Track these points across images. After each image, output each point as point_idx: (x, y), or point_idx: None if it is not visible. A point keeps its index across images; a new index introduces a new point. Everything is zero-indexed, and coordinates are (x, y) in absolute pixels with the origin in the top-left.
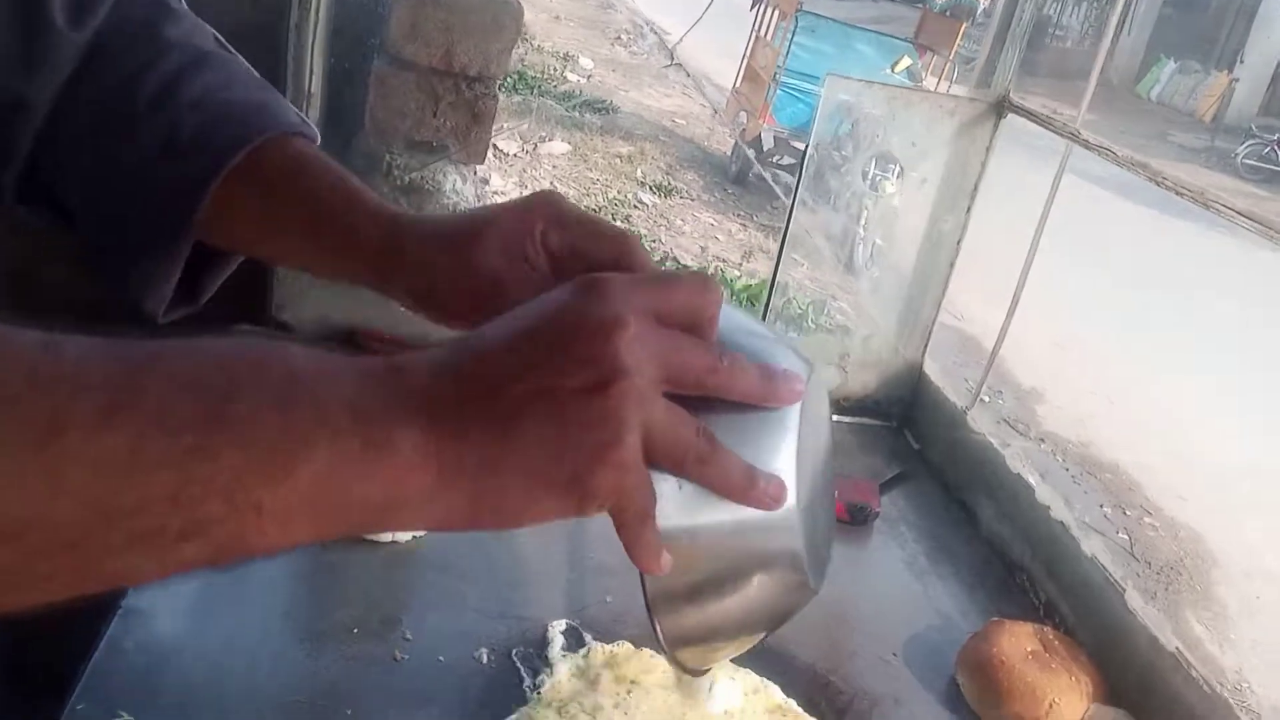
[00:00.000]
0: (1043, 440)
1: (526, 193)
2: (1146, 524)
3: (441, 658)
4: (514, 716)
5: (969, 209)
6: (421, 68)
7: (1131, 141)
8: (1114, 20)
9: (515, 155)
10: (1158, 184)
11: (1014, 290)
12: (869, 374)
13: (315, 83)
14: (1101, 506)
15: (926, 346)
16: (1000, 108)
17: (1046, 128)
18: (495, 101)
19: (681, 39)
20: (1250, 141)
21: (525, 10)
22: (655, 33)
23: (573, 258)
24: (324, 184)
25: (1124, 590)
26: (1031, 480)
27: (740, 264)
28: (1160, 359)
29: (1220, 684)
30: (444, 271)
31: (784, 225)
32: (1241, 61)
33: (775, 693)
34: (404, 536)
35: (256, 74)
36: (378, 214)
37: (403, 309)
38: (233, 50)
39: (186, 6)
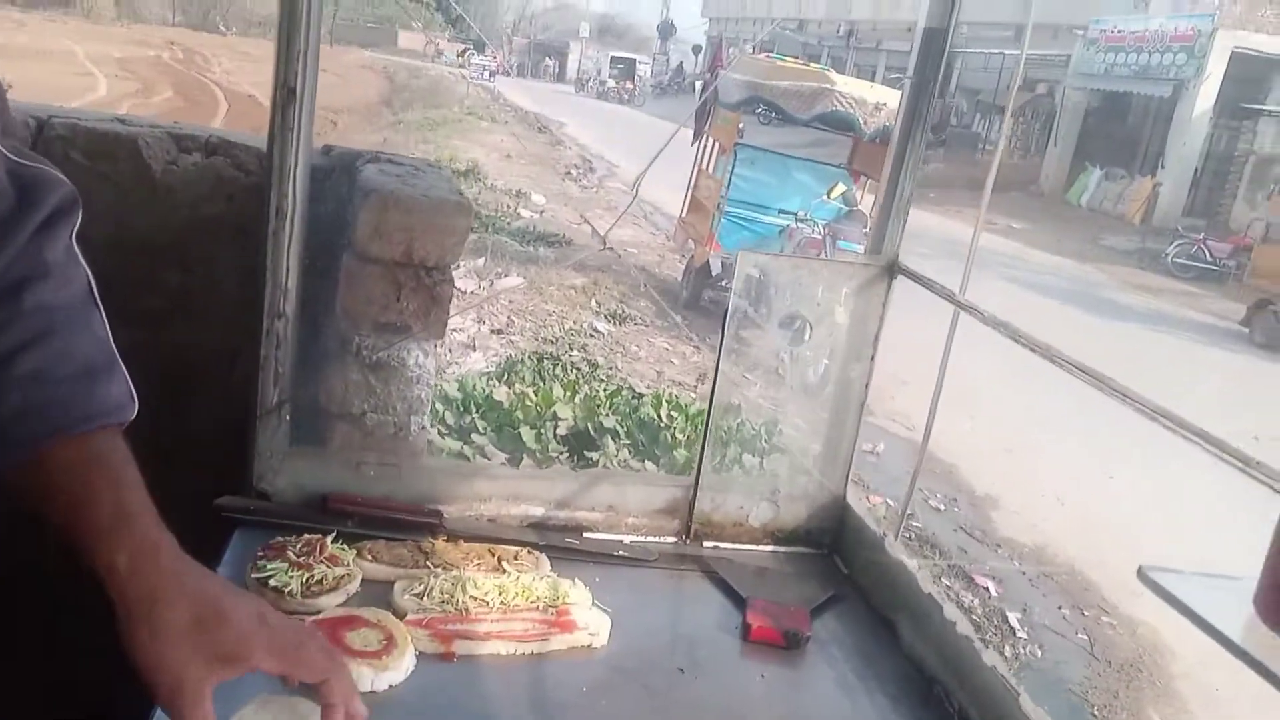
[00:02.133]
0: (999, 546)
1: (485, 332)
2: (1105, 623)
3: None
4: None
5: (872, 357)
6: (385, 261)
7: (1066, 246)
8: (1005, 132)
9: (472, 292)
10: (1015, 340)
11: (930, 402)
12: (799, 506)
13: (291, 279)
14: (1060, 608)
15: (848, 479)
16: (891, 270)
17: (930, 289)
18: (451, 286)
19: (642, 175)
20: (1178, 241)
21: (478, 151)
22: (608, 168)
23: None
24: (93, 491)
25: (1018, 695)
26: (940, 599)
27: (695, 387)
28: (1107, 458)
29: (1133, 681)
30: (155, 629)
31: (711, 381)
32: (1163, 166)
33: None
34: (381, 686)
35: (105, 338)
36: (137, 543)
37: (370, 475)
38: (97, 301)
39: (70, 248)
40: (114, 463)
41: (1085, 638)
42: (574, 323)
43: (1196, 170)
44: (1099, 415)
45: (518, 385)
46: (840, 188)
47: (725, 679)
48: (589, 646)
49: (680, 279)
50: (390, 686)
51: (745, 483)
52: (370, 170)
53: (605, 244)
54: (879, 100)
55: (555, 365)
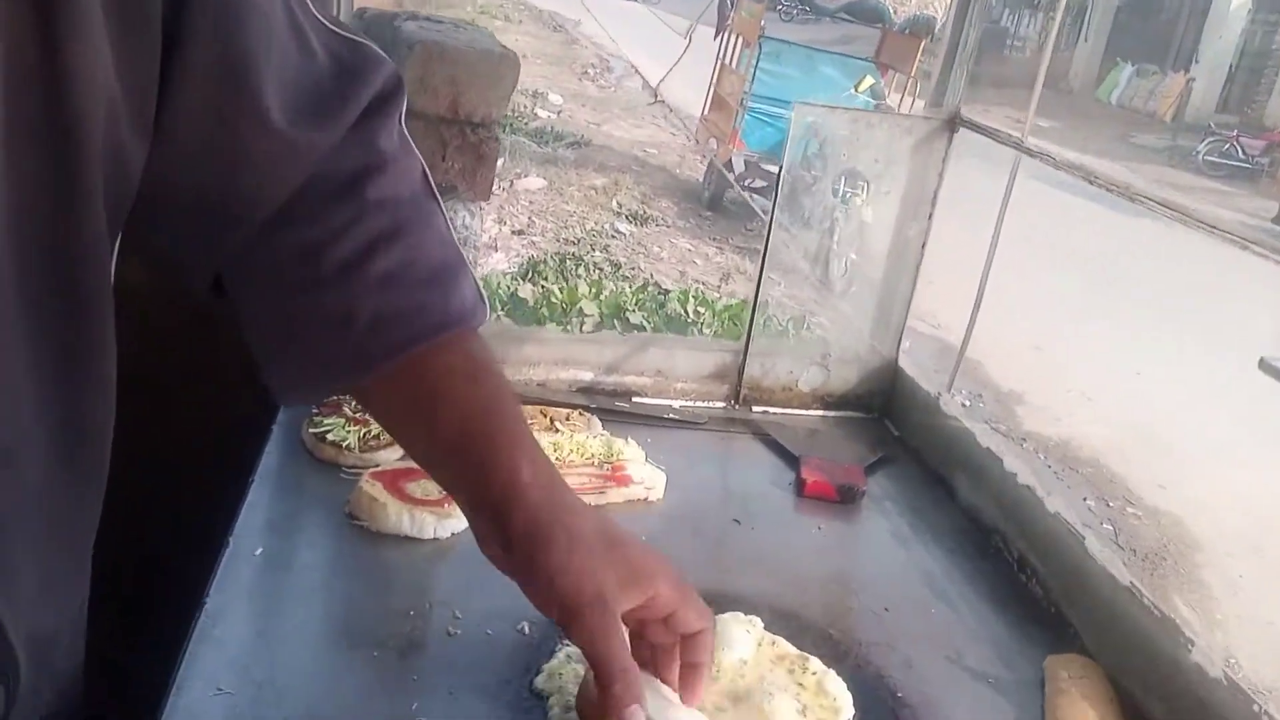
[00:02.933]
0: (1024, 440)
1: (506, 233)
2: (1129, 514)
3: (489, 631)
4: (542, 673)
5: (930, 216)
6: (430, 117)
7: (1095, 145)
8: (1055, 29)
9: (492, 193)
10: (1090, 182)
11: (977, 287)
12: (849, 370)
13: None
14: (1085, 500)
15: (900, 343)
16: (953, 123)
17: (994, 139)
18: (497, 144)
19: (665, 77)
20: (1210, 139)
21: None
22: (635, 70)
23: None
24: (474, 409)
25: (1083, 538)
26: (999, 452)
27: (719, 286)
28: (1133, 355)
29: (1170, 611)
30: (570, 543)
31: (763, 246)
32: (1197, 61)
33: (783, 644)
34: (444, 533)
35: (448, 236)
36: (534, 454)
37: None
38: (435, 193)
39: (403, 135)
40: (485, 371)
41: (1110, 527)
42: (595, 223)
43: (1231, 66)
44: (1128, 312)
45: (541, 283)
46: (869, 80)
47: (781, 531)
48: (645, 500)
49: (702, 179)
50: (453, 534)
51: (795, 347)
52: (410, 26)
53: (656, 96)
54: None
55: (578, 265)
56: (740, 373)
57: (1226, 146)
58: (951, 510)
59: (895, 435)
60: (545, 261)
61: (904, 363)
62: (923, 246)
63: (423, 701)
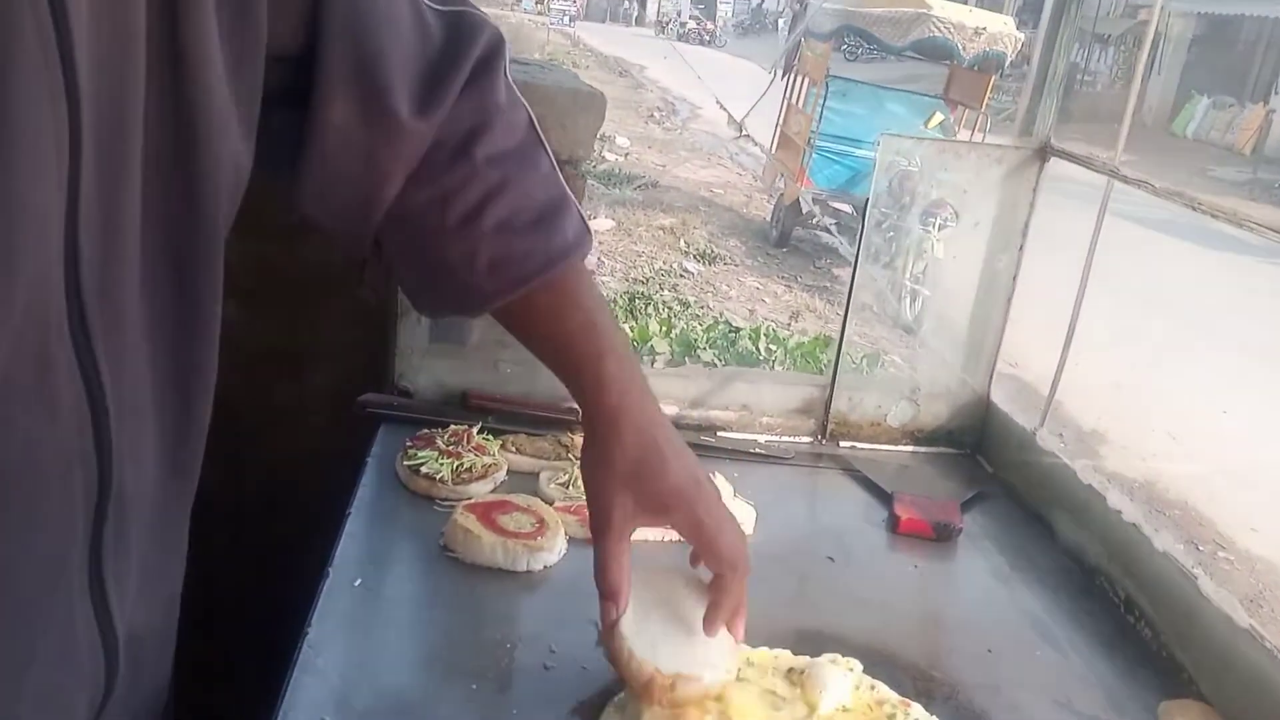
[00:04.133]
0: (1109, 480)
1: None
2: (1221, 558)
3: (585, 667)
4: (616, 698)
5: (1021, 247)
6: None
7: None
8: (1143, 59)
9: None
10: (1194, 209)
11: (1069, 323)
12: (940, 405)
13: None
14: (1175, 544)
15: (992, 377)
16: (1043, 153)
17: (1087, 167)
18: (584, 181)
19: (750, 111)
20: None
21: None
22: (721, 105)
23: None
24: (571, 331)
25: (1196, 578)
26: (1102, 489)
27: (789, 324)
28: (1218, 392)
29: (1254, 615)
30: (603, 462)
31: (850, 280)
32: (1277, 92)
33: (883, 689)
34: (537, 566)
35: (552, 174)
36: (603, 386)
37: (507, 371)
38: (540, 137)
39: (510, 88)
40: (582, 301)
41: (1201, 572)
42: (663, 263)
43: None
44: (1210, 350)
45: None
46: (939, 117)
47: (876, 569)
48: None
49: (769, 218)
50: (545, 567)
51: (884, 381)
52: None
53: (742, 130)
54: (979, 25)
55: (647, 304)
56: (827, 407)
57: None
58: (1052, 549)
59: (989, 472)
60: (615, 301)
61: (996, 398)
62: (1014, 279)
63: None
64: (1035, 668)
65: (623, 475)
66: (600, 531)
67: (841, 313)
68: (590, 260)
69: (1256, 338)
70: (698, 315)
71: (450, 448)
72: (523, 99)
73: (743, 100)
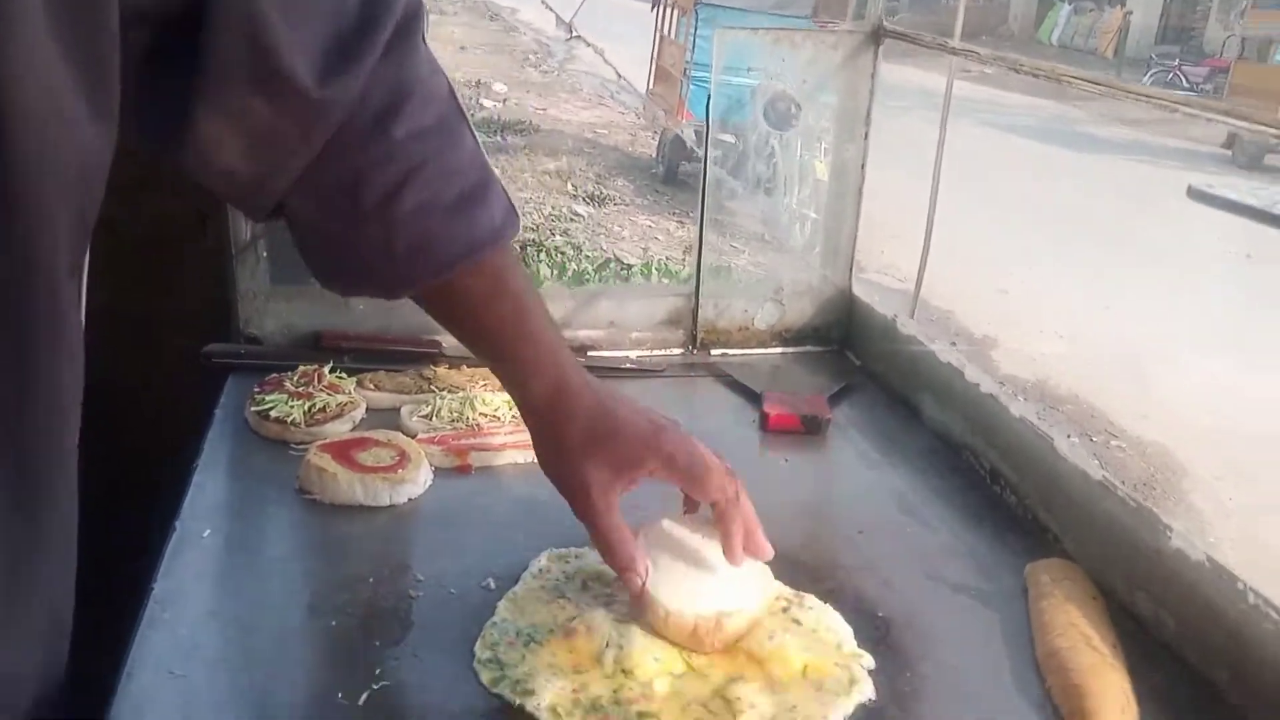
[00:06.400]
0: (1002, 383)
1: None
2: (1114, 447)
3: (452, 590)
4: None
5: (866, 135)
6: None
7: (1041, 86)
8: None
9: None
10: (1017, 71)
11: (927, 211)
12: (804, 303)
13: None
14: (1069, 436)
15: (852, 271)
16: (877, 35)
17: (919, 44)
18: None
19: (577, 11)
20: (1153, 70)
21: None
22: (548, 8)
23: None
24: (501, 317)
25: (1051, 439)
26: (960, 365)
27: (684, 259)
28: (1100, 291)
29: (1147, 499)
30: (559, 446)
31: (700, 190)
32: None
33: (777, 584)
34: (400, 499)
35: (476, 151)
36: (539, 370)
37: (360, 309)
38: (461, 109)
39: (429, 57)
40: (510, 285)
41: (1095, 462)
42: (552, 208)
43: None
44: (1088, 249)
45: None
46: None
47: (748, 467)
48: None
49: (655, 155)
50: (409, 500)
51: (748, 285)
52: None
53: (572, 31)
54: None
55: (539, 251)
56: (694, 316)
57: (1170, 77)
58: (919, 431)
59: (857, 365)
60: None
61: (859, 291)
62: (862, 168)
63: (386, 666)
64: (906, 545)
65: (583, 450)
66: (587, 513)
67: (732, 244)
68: None
69: (1131, 234)
70: (590, 258)
71: (300, 389)
72: (441, 69)
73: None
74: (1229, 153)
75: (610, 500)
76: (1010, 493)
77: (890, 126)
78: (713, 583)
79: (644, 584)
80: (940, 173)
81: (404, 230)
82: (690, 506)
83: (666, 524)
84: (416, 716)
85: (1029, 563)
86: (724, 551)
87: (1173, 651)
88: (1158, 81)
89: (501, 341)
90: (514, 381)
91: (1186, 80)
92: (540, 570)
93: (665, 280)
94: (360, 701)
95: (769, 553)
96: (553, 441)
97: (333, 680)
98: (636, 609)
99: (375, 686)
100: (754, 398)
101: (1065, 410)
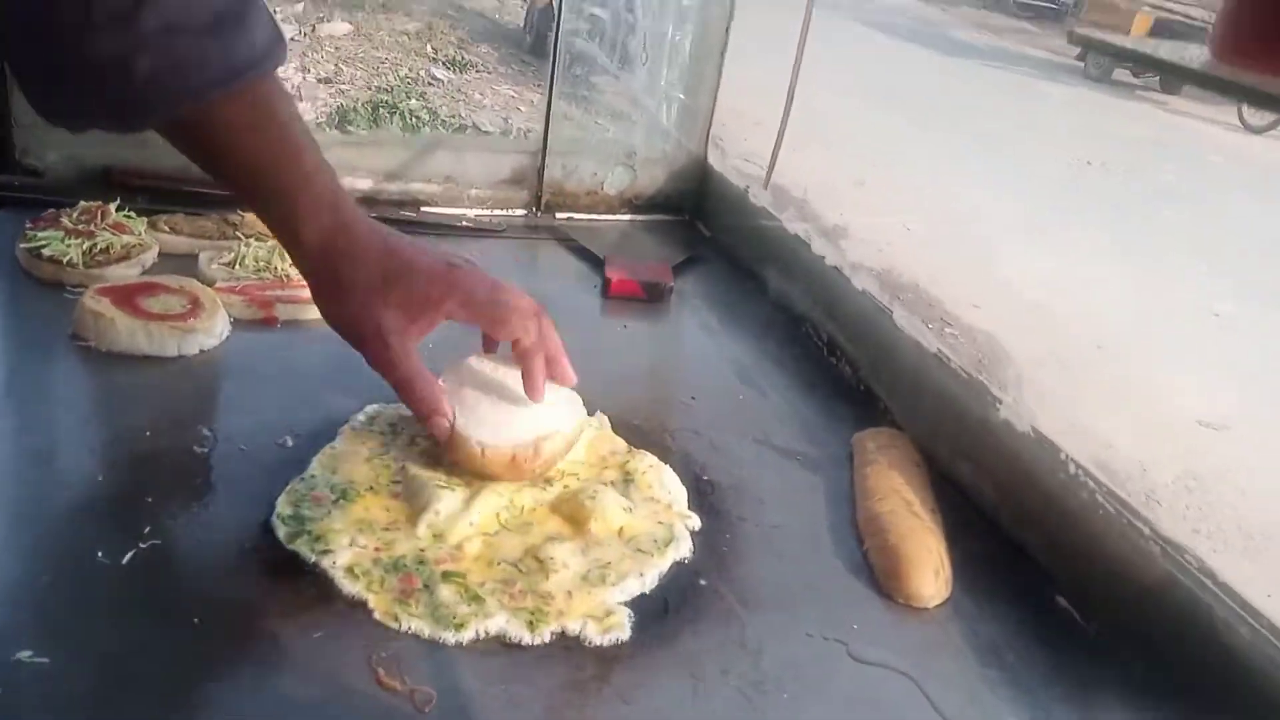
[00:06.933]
0: (812, 229)
1: (311, 81)
2: (948, 333)
3: (243, 447)
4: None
5: None
6: None
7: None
8: None
9: (293, 39)
10: None
11: (787, 87)
12: (657, 170)
13: None
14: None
15: (708, 139)
16: None
17: None
18: None
19: None
20: None
21: None
22: None
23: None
24: (266, 153)
25: (891, 313)
26: (806, 237)
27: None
28: (949, 186)
29: (978, 372)
30: (344, 291)
31: (554, 24)
32: None
33: (616, 441)
34: (190, 350)
35: None
36: (315, 209)
37: (161, 144)
38: None
39: None
40: (277, 116)
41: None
42: (409, 70)
43: None
44: (942, 145)
45: (352, 131)
46: None
47: (586, 333)
48: None
49: (523, 23)
50: (201, 350)
51: (599, 147)
52: None
53: None
54: None
55: (392, 113)
56: (540, 176)
57: None
58: (762, 303)
59: (707, 236)
60: (356, 110)
61: (714, 160)
62: (726, 30)
63: (159, 524)
64: (736, 410)
65: (372, 292)
66: (383, 361)
67: (597, 119)
68: (327, 67)
69: (984, 136)
70: (446, 123)
71: (81, 227)
72: None
73: None
74: (1081, 64)
75: (407, 346)
76: (845, 364)
77: (760, 23)
78: (525, 413)
79: (452, 426)
80: (802, 57)
81: (146, 50)
82: (490, 346)
83: (473, 361)
84: (187, 578)
85: (856, 432)
86: (525, 389)
87: (989, 518)
88: None
89: (268, 177)
90: (285, 224)
91: None
92: (363, 423)
93: None
94: (124, 561)
95: (573, 379)
96: (336, 286)
97: (95, 537)
98: (451, 454)
99: (143, 545)
100: (597, 263)
101: (905, 299)
